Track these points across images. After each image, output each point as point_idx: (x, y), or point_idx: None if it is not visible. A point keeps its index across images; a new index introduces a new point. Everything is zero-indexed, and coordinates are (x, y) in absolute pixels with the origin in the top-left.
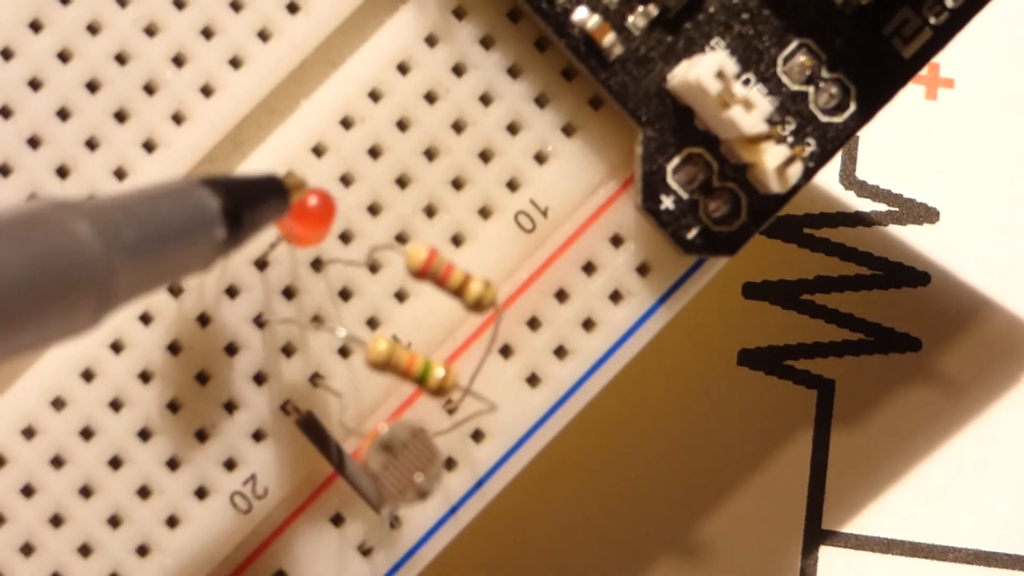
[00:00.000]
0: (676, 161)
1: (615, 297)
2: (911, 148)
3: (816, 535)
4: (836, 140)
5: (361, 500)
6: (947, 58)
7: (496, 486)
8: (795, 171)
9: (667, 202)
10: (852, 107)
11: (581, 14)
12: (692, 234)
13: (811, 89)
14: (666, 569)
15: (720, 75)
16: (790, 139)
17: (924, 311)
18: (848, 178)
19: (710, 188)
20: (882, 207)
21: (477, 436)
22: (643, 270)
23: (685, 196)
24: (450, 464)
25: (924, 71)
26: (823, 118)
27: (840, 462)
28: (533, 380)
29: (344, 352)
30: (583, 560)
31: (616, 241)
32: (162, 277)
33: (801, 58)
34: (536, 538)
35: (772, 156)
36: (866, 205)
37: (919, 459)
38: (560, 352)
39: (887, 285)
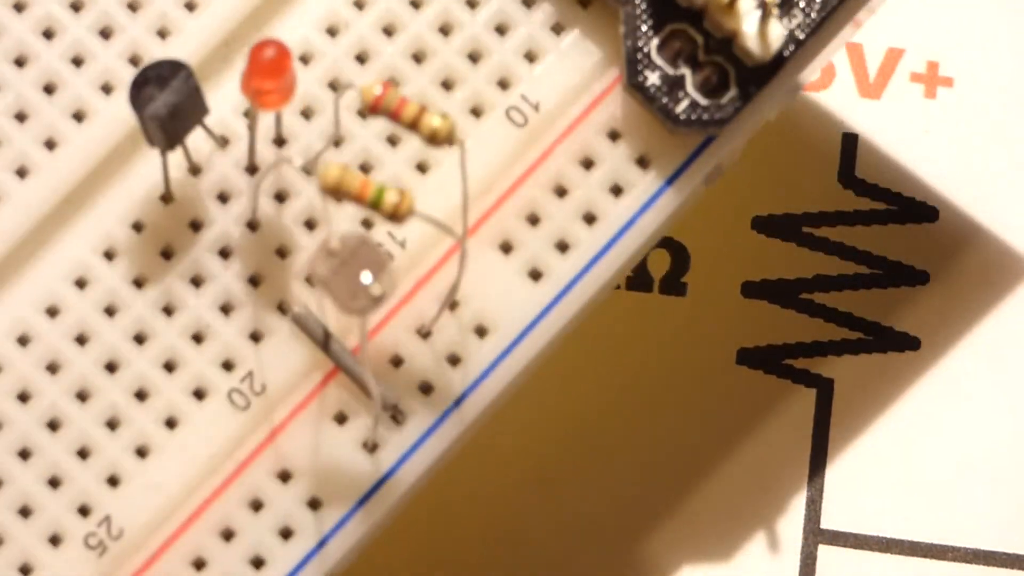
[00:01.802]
0: (660, 37)
1: (615, 190)
2: (910, 147)
3: (815, 534)
4: (823, 8)
5: (362, 396)
6: (946, 57)
7: (500, 380)
8: (776, 34)
9: (652, 78)
10: None
11: None
12: (680, 107)
13: None
14: (664, 567)
15: None
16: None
17: (923, 310)
18: (847, 177)
19: (696, 63)
20: (881, 206)
21: (480, 331)
22: (642, 162)
23: (671, 71)
24: (453, 360)
25: (923, 70)
26: None
27: (839, 461)
28: (535, 274)
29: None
30: (581, 558)
31: (613, 135)
32: None
33: None
34: (534, 537)
35: (751, 18)
36: (865, 204)
37: (918, 458)
38: (561, 246)
39: (886, 284)
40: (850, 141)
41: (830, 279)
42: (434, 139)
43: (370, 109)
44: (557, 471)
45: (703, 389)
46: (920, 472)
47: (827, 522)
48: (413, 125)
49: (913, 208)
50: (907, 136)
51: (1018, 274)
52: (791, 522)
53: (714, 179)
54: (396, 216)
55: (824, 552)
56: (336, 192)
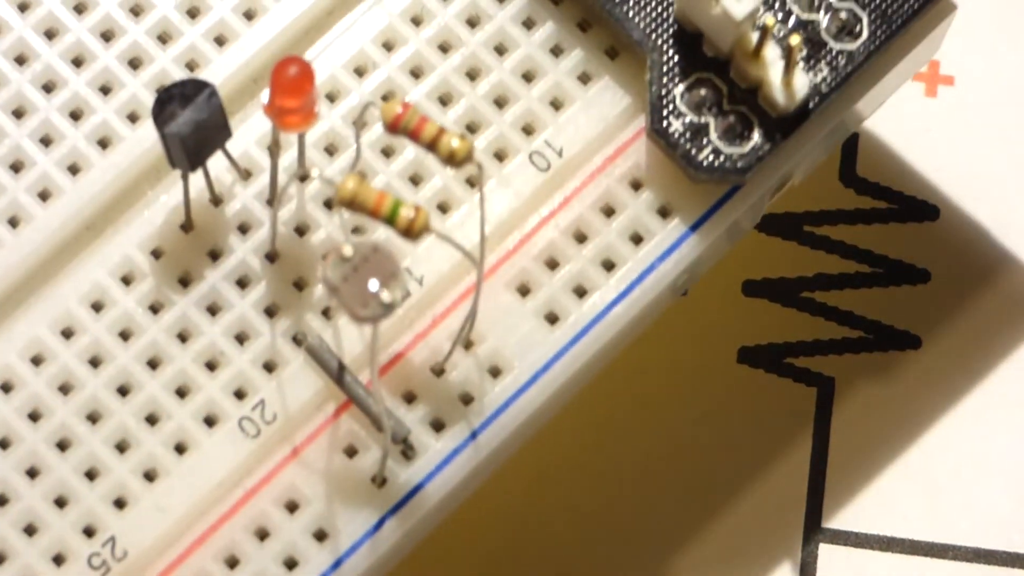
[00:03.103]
0: (684, 85)
1: (635, 239)
2: (911, 145)
3: (816, 532)
4: (848, 65)
5: (374, 430)
6: (947, 55)
7: (513, 421)
8: (801, 85)
9: (676, 125)
10: (864, 34)
11: None
12: (703, 154)
13: (821, 16)
14: (665, 566)
15: None
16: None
17: (924, 309)
18: (848, 176)
19: (721, 111)
20: (882, 204)
21: (494, 371)
22: (664, 212)
23: (695, 119)
24: (466, 399)
25: (924, 68)
26: (834, 44)
27: (840, 460)
28: (551, 318)
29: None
30: (581, 558)
31: (636, 185)
32: None
33: None
34: (534, 536)
35: (776, 68)
36: (866, 203)
37: (919, 457)
38: (579, 291)
39: (887, 283)
40: (851, 140)
41: (831, 278)
42: (452, 160)
43: (390, 127)
44: (556, 469)
45: (704, 388)
46: (920, 471)
47: (827, 521)
48: (432, 145)
49: (914, 207)
50: (908, 135)
51: (1019, 273)
52: (791, 521)
53: (736, 236)
54: (411, 232)
55: (824, 551)
56: (352, 204)
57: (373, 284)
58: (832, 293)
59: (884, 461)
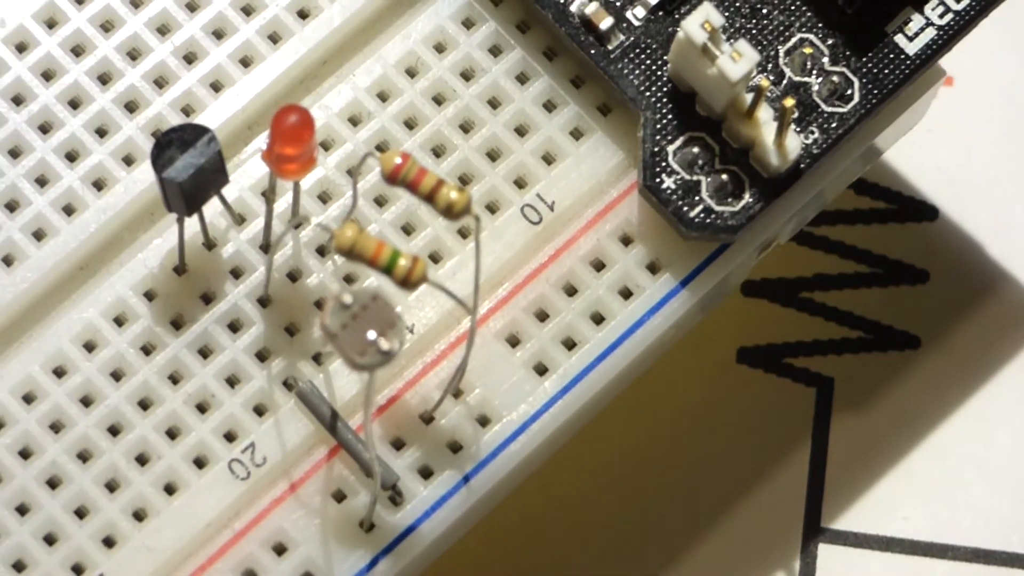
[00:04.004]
0: (677, 143)
1: (624, 293)
2: (910, 146)
3: (815, 533)
4: (839, 128)
5: (362, 475)
6: (947, 56)
7: (501, 470)
8: (793, 145)
9: (668, 182)
10: (856, 98)
11: (579, 1)
12: (694, 212)
13: (813, 79)
14: (665, 566)
15: (706, 25)
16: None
17: (923, 309)
18: None
19: (712, 170)
20: (881, 205)
21: (482, 420)
22: (653, 268)
23: (687, 176)
24: (454, 447)
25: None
26: (826, 107)
27: (839, 460)
28: (540, 369)
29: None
30: (581, 557)
31: (626, 240)
32: None
33: (805, 50)
34: (534, 535)
35: (769, 129)
36: (865, 203)
37: (918, 457)
38: (568, 343)
39: (886, 283)
40: None
41: (830, 278)
42: (450, 211)
43: (389, 177)
44: (555, 470)
45: (703, 388)
46: (920, 472)
47: (827, 521)
48: (430, 197)
49: (913, 207)
50: (908, 135)
51: (1018, 273)
52: (791, 521)
53: (724, 294)
54: (408, 282)
55: (824, 551)
56: (351, 252)
57: (371, 333)
58: (831, 293)
59: (883, 461)
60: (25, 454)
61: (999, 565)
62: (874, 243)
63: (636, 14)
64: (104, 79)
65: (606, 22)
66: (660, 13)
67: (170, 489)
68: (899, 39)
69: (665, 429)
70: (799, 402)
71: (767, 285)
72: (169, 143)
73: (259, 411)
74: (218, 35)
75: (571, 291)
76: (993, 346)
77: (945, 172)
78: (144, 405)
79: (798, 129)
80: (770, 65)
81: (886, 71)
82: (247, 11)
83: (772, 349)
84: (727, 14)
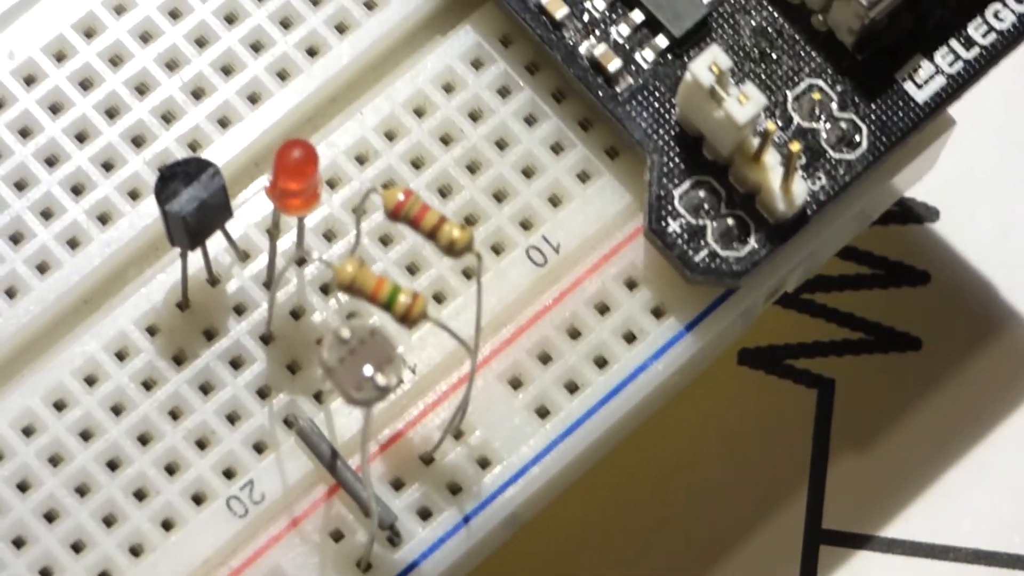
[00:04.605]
0: (684, 187)
1: (628, 337)
2: None
3: (816, 534)
4: (847, 175)
5: (361, 515)
6: None
7: (500, 512)
8: (800, 190)
9: (674, 225)
10: (864, 145)
11: (589, 43)
12: (699, 256)
13: (821, 125)
14: (665, 568)
15: (714, 67)
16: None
17: (924, 310)
18: None
19: (718, 215)
20: None
21: (483, 462)
22: (657, 312)
23: (692, 221)
24: (454, 488)
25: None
26: (833, 154)
27: (840, 461)
28: (542, 412)
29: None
30: (581, 559)
31: (631, 284)
32: None
33: (813, 96)
34: (534, 536)
35: (776, 174)
36: None
37: (919, 459)
38: (570, 386)
39: (887, 284)
40: None
41: (831, 279)
42: (452, 249)
43: (392, 214)
44: None
45: (704, 389)
46: (920, 472)
47: (827, 522)
48: (432, 234)
49: (914, 208)
50: None
51: (1020, 274)
52: (791, 522)
53: (729, 340)
54: (408, 318)
55: (824, 552)
56: (351, 288)
57: (368, 368)
58: (832, 294)
59: (884, 463)
60: (23, 487)
61: (1000, 567)
62: (875, 244)
63: (645, 57)
64: (112, 113)
65: (615, 64)
66: (669, 56)
67: (168, 525)
68: (908, 86)
69: (666, 431)
70: (800, 404)
71: None
72: (173, 176)
73: (259, 448)
74: (226, 71)
75: (575, 334)
76: (994, 347)
77: (947, 173)
78: (144, 440)
79: (805, 175)
80: (778, 110)
81: (895, 118)
82: (256, 47)
83: (773, 351)
84: (736, 58)
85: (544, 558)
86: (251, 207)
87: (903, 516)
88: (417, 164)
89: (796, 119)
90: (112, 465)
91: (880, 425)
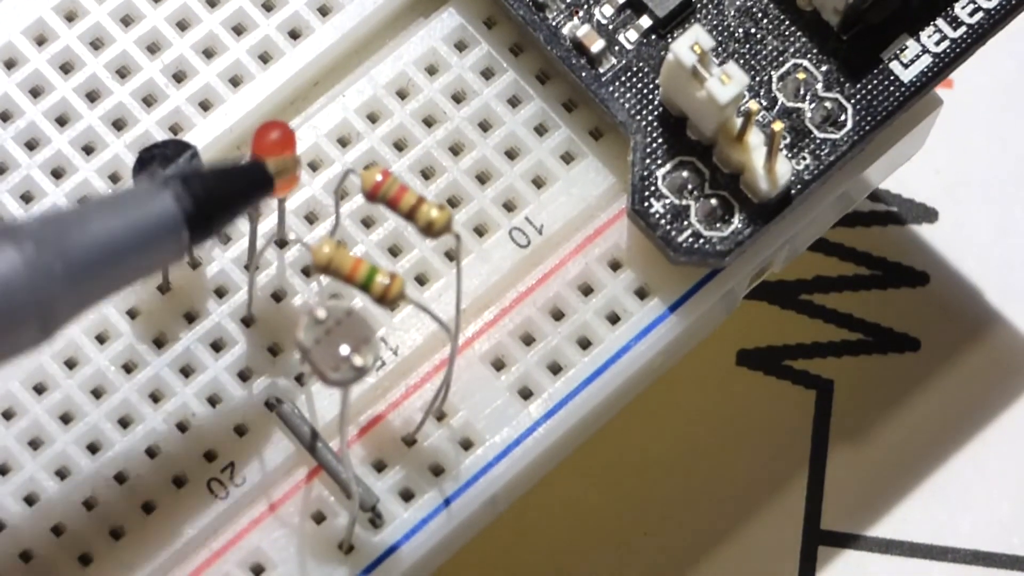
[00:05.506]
0: (667, 167)
1: (612, 318)
2: None
3: (814, 535)
4: (831, 155)
5: (343, 497)
6: None
7: (482, 494)
8: (783, 170)
9: (657, 206)
10: (849, 124)
11: (572, 24)
12: (682, 236)
13: (806, 105)
14: (664, 569)
15: (695, 47)
16: (782, 135)
17: (923, 311)
18: None
19: (702, 194)
20: (881, 207)
21: (465, 444)
22: (641, 293)
23: (676, 201)
24: (436, 470)
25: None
26: (818, 133)
27: (839, 462)
28: (525, 393)
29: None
30: (580, 559)
31: (615, 265)
32: (119, 284)
33: (798, 76)
34: (533, 536)
35: (759, 154)
36: (865, 205)
37: (918, 459)
38: (553, 368)
39: (886, 285)
40: None
41: (830, 280)
42: (430, 230)
43: (369, 194)
44: (554, 471)
45: (703, 390)
46: (919, 474)
47: (826, 522)
48: (410, 215)
49: (913, 209)
50: None
51: (1019, 275)
52: (791, 522)
53: (714, 322)
54: (386, 299)
55: (824, 552)
56: (328, 269)
57: (344, 348)
58: (831, 295)
59: (883, 463)
60: (3, 470)
61: (999, 567)
62: (874, 245)
63: (628, 37)
64: (92, 96)
65: (597, 45)
66: (653, 36)
67: (148, 508)
68: (894, 66)
69: (665, 431)
70: (799, 404)
71: (766, 287)
72: (151, 158)
73: (240, 431)
74: (208, 54)
75: (558, 315)
76: (993, 348)
77: (945, 174)
78: (124, 423)
79: (789, 155)
80: (763, 90)
81: (880, 98)
82: (238, 30)
83: (772, 351)
84: (721, 39)
85: (544, 557)
86: None
87: (901, 517)
88: (400, 146)
89: (781, 99)
90: (92, 448)
91: (879, 426)
